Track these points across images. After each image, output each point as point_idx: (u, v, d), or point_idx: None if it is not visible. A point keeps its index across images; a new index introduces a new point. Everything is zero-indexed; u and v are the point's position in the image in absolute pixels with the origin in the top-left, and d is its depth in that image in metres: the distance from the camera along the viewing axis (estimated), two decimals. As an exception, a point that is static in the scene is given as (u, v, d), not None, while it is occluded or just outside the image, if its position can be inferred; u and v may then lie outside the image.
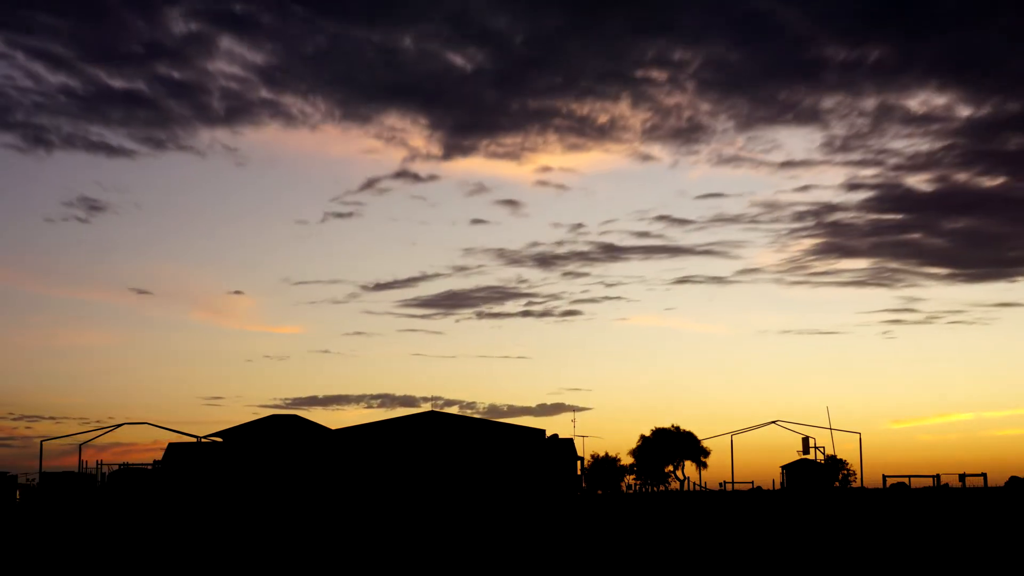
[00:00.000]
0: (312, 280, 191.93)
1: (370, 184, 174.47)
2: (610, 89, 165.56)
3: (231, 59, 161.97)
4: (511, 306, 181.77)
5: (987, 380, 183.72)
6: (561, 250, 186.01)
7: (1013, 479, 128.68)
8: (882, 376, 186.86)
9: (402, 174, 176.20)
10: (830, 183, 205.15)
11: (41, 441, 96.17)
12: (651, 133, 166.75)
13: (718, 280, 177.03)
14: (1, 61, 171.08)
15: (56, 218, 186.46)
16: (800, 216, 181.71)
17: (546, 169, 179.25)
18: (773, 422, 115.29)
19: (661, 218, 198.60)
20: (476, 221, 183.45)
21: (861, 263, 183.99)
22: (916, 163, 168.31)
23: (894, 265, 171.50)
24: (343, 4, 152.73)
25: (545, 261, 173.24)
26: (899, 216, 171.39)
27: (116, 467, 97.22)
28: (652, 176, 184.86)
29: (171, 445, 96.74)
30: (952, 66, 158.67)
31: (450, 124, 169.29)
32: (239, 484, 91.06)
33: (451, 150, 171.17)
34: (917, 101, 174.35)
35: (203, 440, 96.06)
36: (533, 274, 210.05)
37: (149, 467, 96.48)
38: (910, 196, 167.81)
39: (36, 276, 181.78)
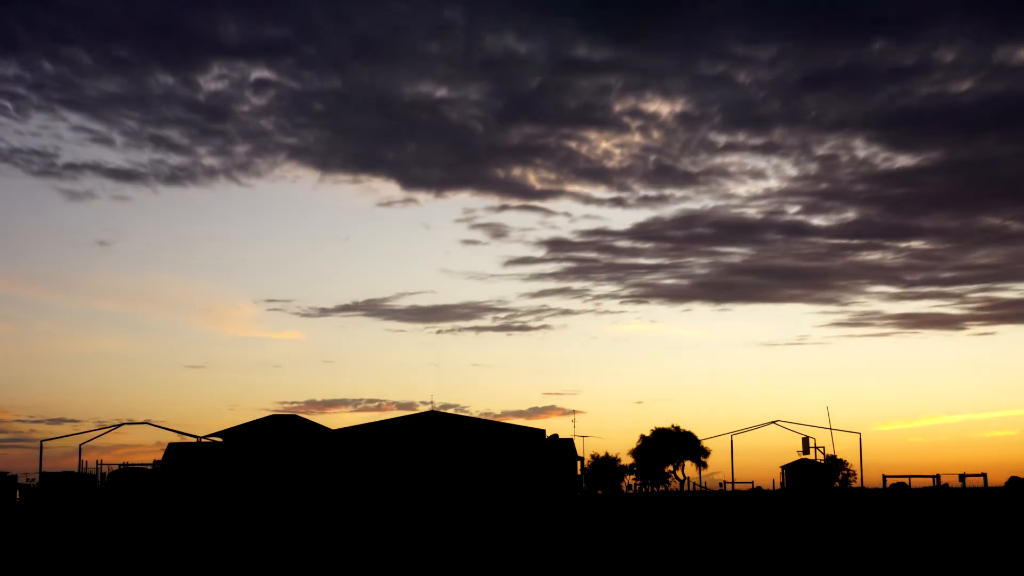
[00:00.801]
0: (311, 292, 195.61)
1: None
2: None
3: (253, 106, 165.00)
4: (491, 319, 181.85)
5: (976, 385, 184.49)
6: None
7: (1013, 479, 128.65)
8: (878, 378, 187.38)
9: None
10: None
11: (41, 441, 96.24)
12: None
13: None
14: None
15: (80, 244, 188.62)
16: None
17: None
18: (773, 422, 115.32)
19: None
20: (466, 242, 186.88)
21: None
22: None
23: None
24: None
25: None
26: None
27: (116, 467, 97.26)
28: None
29: (171, 445, 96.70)
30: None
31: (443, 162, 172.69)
32: (239, 484, 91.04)
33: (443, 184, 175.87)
34: None
35: (203, 440, 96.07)
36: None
37: (149, 467, 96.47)
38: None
39: (46, 285, 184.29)
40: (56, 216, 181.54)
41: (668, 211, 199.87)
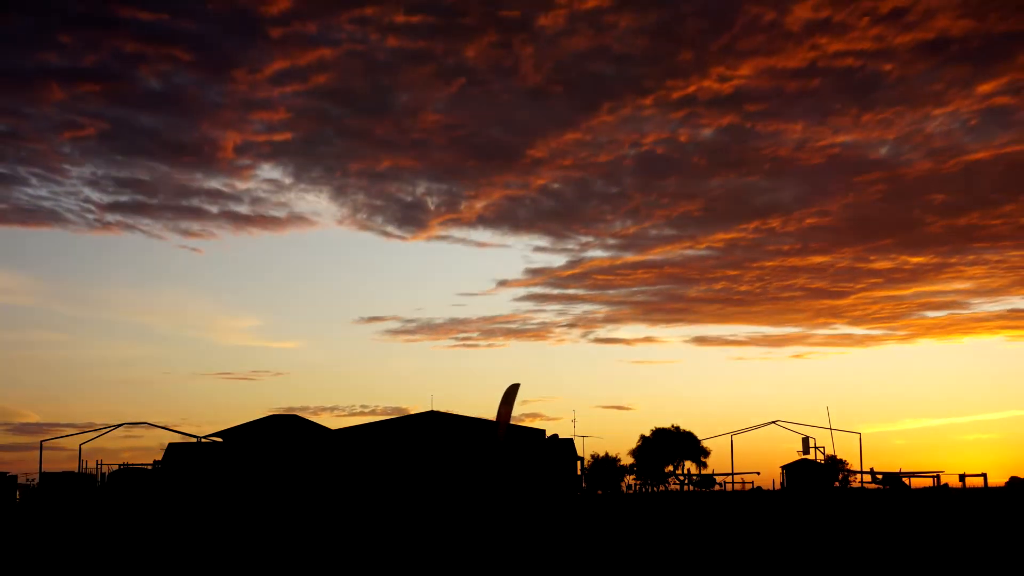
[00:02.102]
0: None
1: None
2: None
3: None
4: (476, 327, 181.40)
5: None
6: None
7: (1013, 479, 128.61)
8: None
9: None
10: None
11: (41, 441, 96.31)
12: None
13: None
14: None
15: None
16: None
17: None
18: (773, 422, 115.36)
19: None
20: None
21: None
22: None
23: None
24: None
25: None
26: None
27: (116, 467, 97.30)
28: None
29: (171, 445, 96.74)
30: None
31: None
32: (239, 484, 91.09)
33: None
34: None
35: (203, 440, 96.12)
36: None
37: (149, 467, 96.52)
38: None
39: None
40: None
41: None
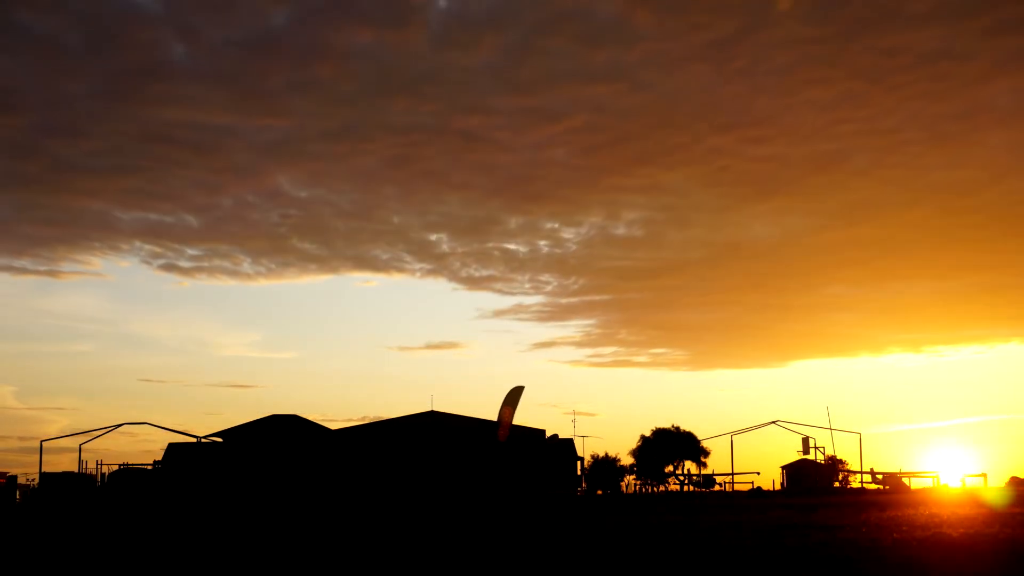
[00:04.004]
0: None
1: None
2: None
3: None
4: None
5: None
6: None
7: (1013, 479, 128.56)
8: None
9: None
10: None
11: (41, 441, 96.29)
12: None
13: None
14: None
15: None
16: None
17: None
18: (773, 422, 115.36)
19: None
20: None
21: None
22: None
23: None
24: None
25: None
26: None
27: (116, 467, 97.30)
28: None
29: (171, 445, 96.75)
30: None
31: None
32: (239, 484, 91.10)
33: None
34: None
35: (203, 440, 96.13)
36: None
37: (149, 467, 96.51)
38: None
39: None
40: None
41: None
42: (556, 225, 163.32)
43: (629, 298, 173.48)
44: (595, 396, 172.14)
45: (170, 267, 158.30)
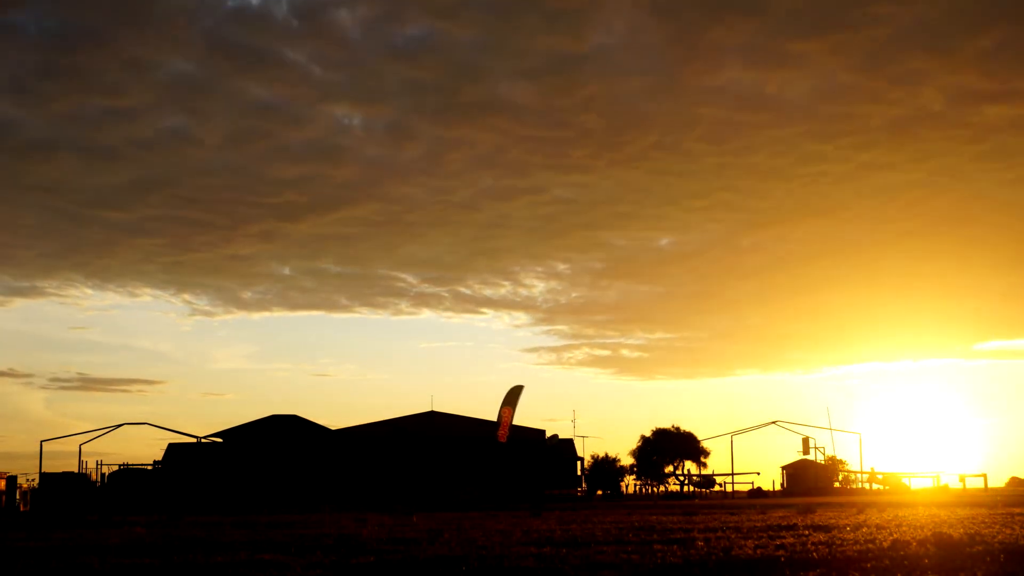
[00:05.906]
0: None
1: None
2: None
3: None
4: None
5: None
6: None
7: (1013, 479, 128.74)
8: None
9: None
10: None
11: (41, 441, 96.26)
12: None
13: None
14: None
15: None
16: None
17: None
18: (773, 422, 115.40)
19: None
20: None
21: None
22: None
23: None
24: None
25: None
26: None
27: (116, 467, 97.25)
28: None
29: (171, 445, 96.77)
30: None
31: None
32: (239, 484, 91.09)
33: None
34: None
35: (203, 440, 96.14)
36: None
37: (149, 467, 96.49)
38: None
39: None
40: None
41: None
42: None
43: (629, 298, 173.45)
44: (595, 396, 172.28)
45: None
